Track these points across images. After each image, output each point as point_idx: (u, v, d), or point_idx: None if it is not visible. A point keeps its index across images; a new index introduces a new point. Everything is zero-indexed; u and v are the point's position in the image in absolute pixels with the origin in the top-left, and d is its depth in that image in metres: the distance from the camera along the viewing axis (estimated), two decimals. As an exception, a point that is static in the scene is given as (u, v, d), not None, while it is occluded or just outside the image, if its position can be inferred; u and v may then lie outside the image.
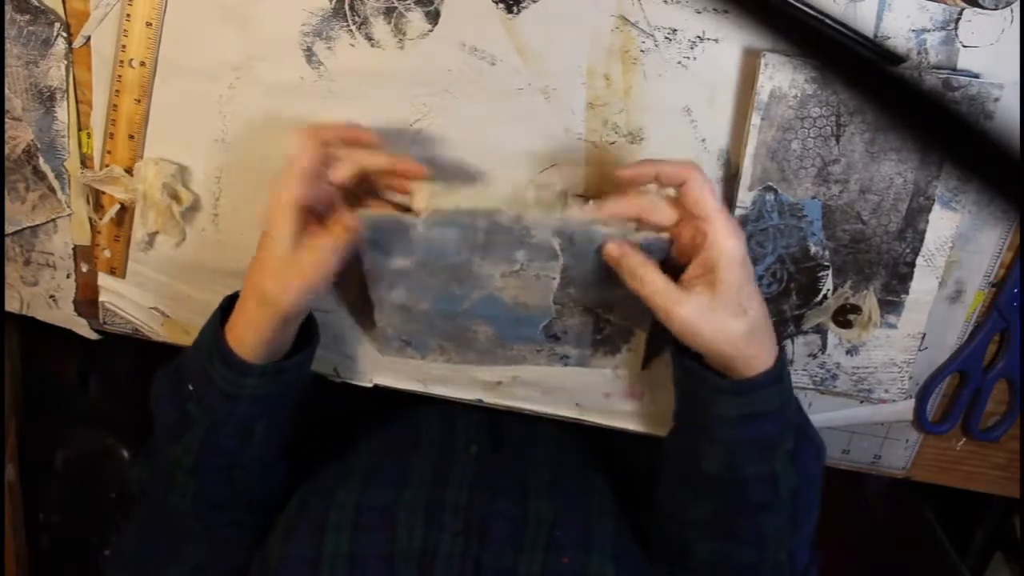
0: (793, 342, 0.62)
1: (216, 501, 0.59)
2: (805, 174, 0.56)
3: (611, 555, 0.58)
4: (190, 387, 0.57)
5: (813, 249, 0.59)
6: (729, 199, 0.58)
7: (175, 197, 0.60)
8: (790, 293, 0.60)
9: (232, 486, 0.59)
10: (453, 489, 0.62)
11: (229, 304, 0.57)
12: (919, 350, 0.62)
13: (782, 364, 0.53)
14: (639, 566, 0.60)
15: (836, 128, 0.55)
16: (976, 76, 0.53)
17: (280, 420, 0.59)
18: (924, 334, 0.61)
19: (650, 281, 0.51)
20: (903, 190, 0.56)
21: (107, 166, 0.61)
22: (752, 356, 0.52)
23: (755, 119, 0.55)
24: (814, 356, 0.62)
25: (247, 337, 0.54)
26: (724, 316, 0.50)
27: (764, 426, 0.53)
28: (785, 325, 0.61)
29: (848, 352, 0.62)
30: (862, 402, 0.65)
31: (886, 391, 0.63)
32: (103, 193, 0.62)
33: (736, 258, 0.49)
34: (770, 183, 0.57)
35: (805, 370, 0.63)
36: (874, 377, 0.63)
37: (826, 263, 0.59)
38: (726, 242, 0.49)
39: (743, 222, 0.57)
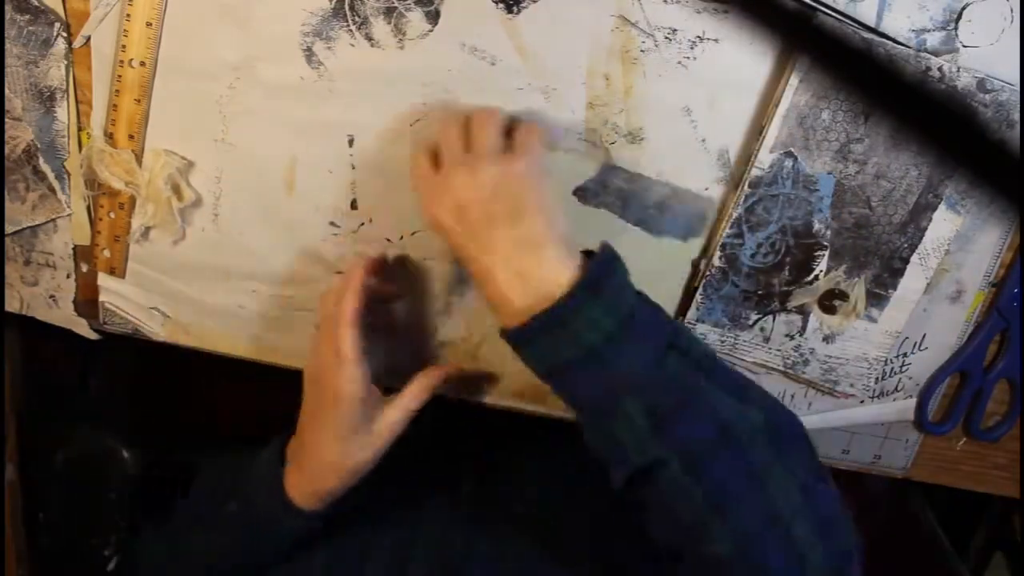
0: (774, 319, 0.61)
1: None
2: (827, 147, 0.56)
3: None
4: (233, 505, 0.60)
5: (816, 226, 0.58)
6: (731, 194, 0.58)
7: (176, 192, 0.60)
8: (783, 267, 0.60)
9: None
10: (427, 525, 0.61)
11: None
12: (919, 350, 0.62)
13: (551, 314, 0.46)
14: None
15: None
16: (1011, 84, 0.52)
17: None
18: (905, 336, 0.61)
19: (416, 163, 0.53)
20: (915, 183, 0.56)
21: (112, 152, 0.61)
22: (505, 303, 0.48)
23: (793, 80, 0.54)
24: (791, 337, 0.62)
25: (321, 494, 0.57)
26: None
27: (573, 383, 0.48)
28: (771, 299, 0.60)
29: (825, 339, 0.61)
30: (826, 394, 0.64)
31: (851, 385, 0.63)
32: (102, 193, 0.62)
33: (431, 222, 0.51)
34: (792, 149, 0.56)
35: (779, 350, 0.62)
36: (843, 369, 0.62)
37: (825, 243, 0.58)
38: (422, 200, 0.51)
39: (756, 183, 0.57)
